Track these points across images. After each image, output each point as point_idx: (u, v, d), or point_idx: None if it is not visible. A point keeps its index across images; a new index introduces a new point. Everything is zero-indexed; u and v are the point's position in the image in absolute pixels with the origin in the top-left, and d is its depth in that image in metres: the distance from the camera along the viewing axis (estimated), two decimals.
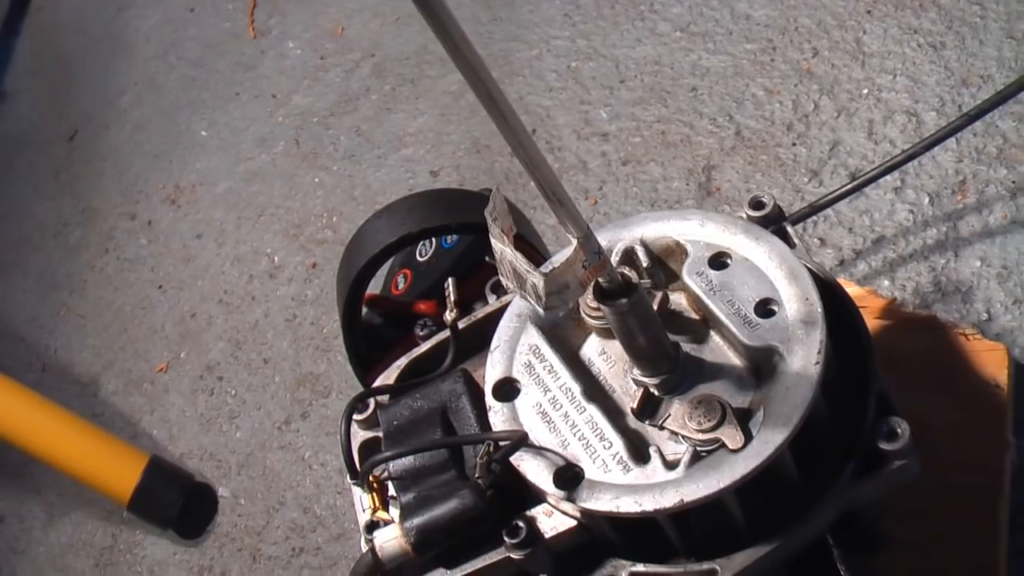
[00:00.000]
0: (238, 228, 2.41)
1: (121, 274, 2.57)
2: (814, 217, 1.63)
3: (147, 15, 3.09)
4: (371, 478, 1.11)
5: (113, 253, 2.62)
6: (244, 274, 2.32)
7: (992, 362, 1.33)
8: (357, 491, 1.14)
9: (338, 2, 2.62)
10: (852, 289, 1.44)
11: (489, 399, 1.07)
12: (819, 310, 0.98)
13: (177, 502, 2.01)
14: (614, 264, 1.01)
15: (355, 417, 1.20)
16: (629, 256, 1.06)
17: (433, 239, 1.52)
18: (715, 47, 1.93)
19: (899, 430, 0.96)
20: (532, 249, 1.41)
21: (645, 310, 0.96)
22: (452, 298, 1.25)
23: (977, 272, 1.51)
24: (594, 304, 1.02)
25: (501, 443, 1.01)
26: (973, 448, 1.28)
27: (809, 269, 1.03)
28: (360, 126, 2.36)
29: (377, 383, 1.25)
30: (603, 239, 1.04)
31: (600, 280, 0.93)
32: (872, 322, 1.37)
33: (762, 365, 0.98)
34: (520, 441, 1.00)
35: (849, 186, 1.53)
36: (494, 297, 1.28)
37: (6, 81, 3.38)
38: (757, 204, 1.13)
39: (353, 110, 2.40)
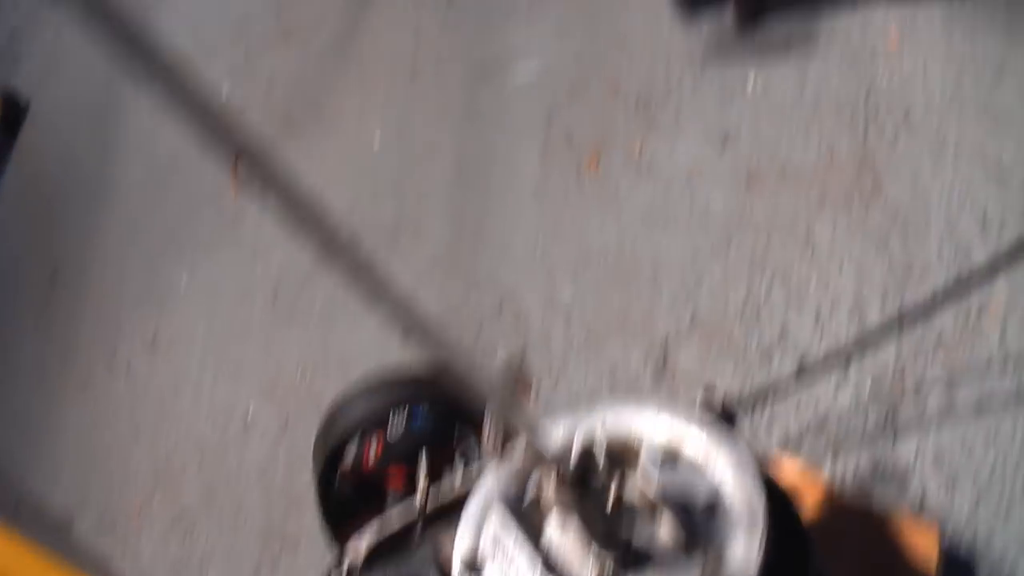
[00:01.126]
0: (215, 380, 2.45)
1: (98, 416, 2.61)
2: (764, 400, 1.70)
3: (133, 163, 3.16)
4: None
5: (91, 395, 2.66)
6: (219, 426, 2.36)
7: (924, 544, 1.39)
8: None
9: (319, 172, 2.67)
10: (796, 470, 1.51)
11: (456, 573, 1.15)
12: (761, 512, 1.06)
13: None
14: (576, 453, 1.10)
15: None
16: (589, 449, 1.15)
17: (404, 409, 1.55)
18: (675, 235, 1.99)
19: None
20: None
21: (603, 500, 1.05)
22: (423, 479, 1.32)
23: (912, 457, 1.56)
24: (557, 488, 1.11)
25: None
26: None
27: (753, 467, 1.11)
28: (337, 287, 2.37)
29: (348, 555, 1.32)
30: (563, 428, 1.14)
31: (567, 472, 1.02)
32: (811, 504, 1.45)
33: (707, 556, 1.06)
34: None
35: (797, 372, 1.61)
36: (463, 460, 1.36)
37: None
38: (709, 389, 1.22)
39: (329, 272, 2.41)
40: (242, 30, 3.21)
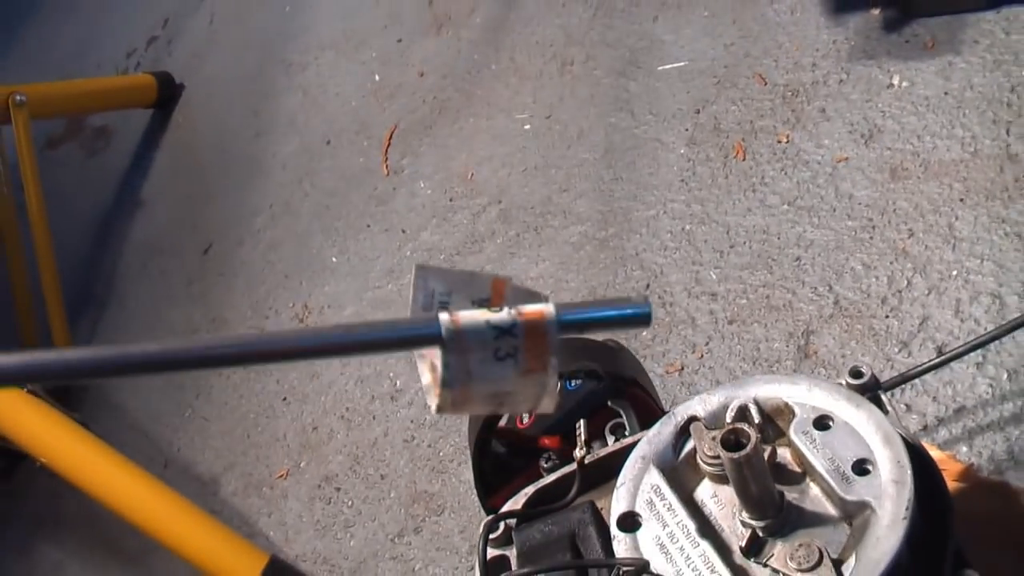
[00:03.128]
0: None
1: (247, 383, 2.70)
2: (902, 385, 1.74)
3: (284, 142, 3.25)
4: None
5: None
6: (366, 394, 2.43)
7: None
8: None
9: (469, 148, 2.75)
10: (934, 452, 1.55)
11: (614, 529, 1.18)
12: (908, 472, 1.11)
13: None
14: (730, 420, 1.16)
15: (489, 536, 1.33)
16: (743, 413, 1.20)
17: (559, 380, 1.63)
18: (819, 222, 2.02)
19: None
20: (647, 395, 1.53)
21: (758, 462, 1.11)
22: (583, 437, 1.38)
23: None
24: (711, 452, 1.17)
25: (625, 568, 1.14)
26: None
27: (900, 435, 1.17)
28: (484, 266, 2.45)
29: (505, 508, 1.38)
30: (721, 396, 1.20)
31: (725, 433, 1.08)
32: (950, 484, 1.49)
33: (856, 517, 1.11)
34: (642, 568, 1.13)
35: (937, 360, 1.63)
36: (613, 438, 1.42)
37: (143, 191, 3.59)
38: (856, 373, 1.26)
39: (479, 251, 2.51)
40: (394, 19, 3.29)
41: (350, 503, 2.29)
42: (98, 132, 4.04)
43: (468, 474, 2.10)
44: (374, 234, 2.77)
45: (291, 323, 2.72)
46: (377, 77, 3.17)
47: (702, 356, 1.98)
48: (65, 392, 2.95)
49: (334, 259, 2.80)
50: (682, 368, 1.98)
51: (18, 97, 3.16)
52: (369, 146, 2.99)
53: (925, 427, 1.71)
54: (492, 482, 1.57)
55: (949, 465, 1.53)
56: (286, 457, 2.48)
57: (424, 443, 2.26)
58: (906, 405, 1.74)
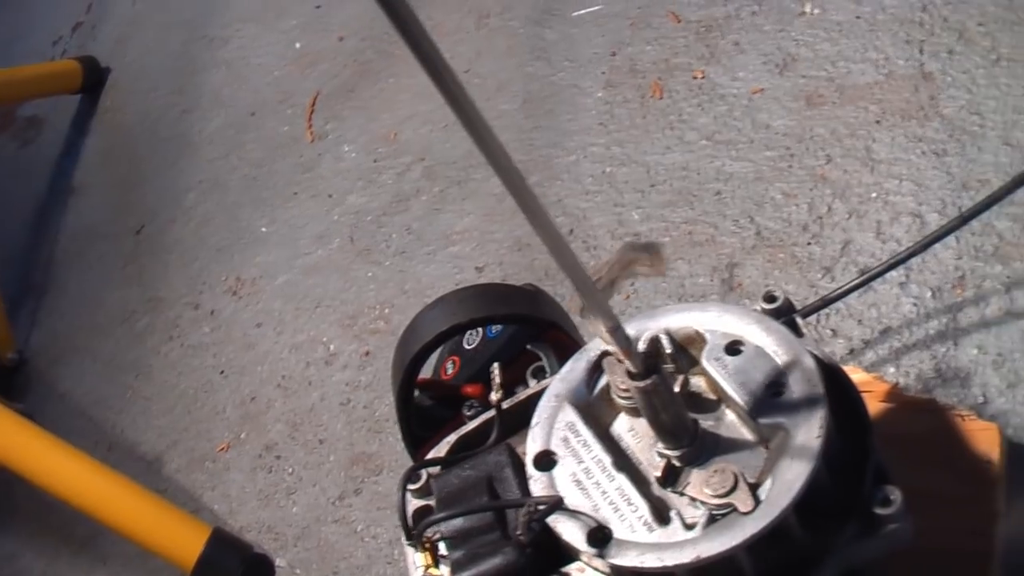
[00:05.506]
0: (296, 318, 2.50)
1: (185, 360, 2.67)
2: (827, 310, 1.71)
3: (210, 118, 3.22)
4: (424, 539, 1.21)
5: (177, 340, 2.72)
6: (301, 361, 2.41)
7: (986, 440, 1.41)
8: (410, 552, 1.23)
9: (391, 109, 2.73)
10: (859, 375, 1.52)
11: (530, 469, 1.16)
12: (821, 391, 1.08)
13: (238, 570, 2.08)
14: (641, 350, 1.12)
15: (409, 486, 1.30)
16: (655, 343, 1.16)
17: (479, 329, 1.60)
18: (738, 154, 2.01)
19: (892, 496, 1.05)
20: (568, 337, 1.51)
21: (667, 390, 1.07)
22: (497, 381, 1.34)
23: (974, 359, 1.58)
24: (624, 386, 1.13)
25: (540, 506, 1.11)
26: (968, 517, 1.36)
27: (813, 355, 1.14)
28: (411, 225, 2.45)
29: (428, 456, 1.36)
30: (632, 328, 1.15)
31: (630, 363, 1.05)
32: (876, 405, 1.46)
33: (771, 439, 1.08)
34: (557, 504, 1.10)
35: (856, 281, 1.62)
36: (534, 381, 1.38)
37: (76, 177, 3.53)
38: (770, 298, 1.23)
39: (405, 210, 2.49)
40: None
41: (291, 470, 2.27)
42: (29, 122, 3.99)
43: None
44: (302, 201, 2.74)
45: (225, 296, 2.70)
46: (298, 45, 3.15)
47: (628, 297, 1.97)
48: (8, 384, 2.93)
49: (264, 229, 2.77)
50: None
51: None
52: (293, 114, 2.97)
53: (852, 351, 1.70)
54: (420, 435, 1.55)
55: (875, 386, 1.51)
56: (227, 430, 2.45)
57: (360, 405, 2.24)
58: (832, 330, 1.73)
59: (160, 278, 2.94)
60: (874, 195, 1.83)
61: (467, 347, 1.63)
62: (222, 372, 2.56)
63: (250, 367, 2.52)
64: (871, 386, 1.50)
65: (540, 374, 1.40)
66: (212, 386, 2.57)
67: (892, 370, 1.65)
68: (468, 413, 1.42)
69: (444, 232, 2.39)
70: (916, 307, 1.69)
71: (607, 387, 1.18)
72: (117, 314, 2.96)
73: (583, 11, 2.50)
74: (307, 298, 2.52)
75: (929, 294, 1.68)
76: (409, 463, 1.62)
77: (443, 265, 2.32)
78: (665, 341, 1.16)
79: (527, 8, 2.64)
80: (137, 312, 2.91)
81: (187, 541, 2.12)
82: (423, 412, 1.58)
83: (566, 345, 1.48)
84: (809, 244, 1.85)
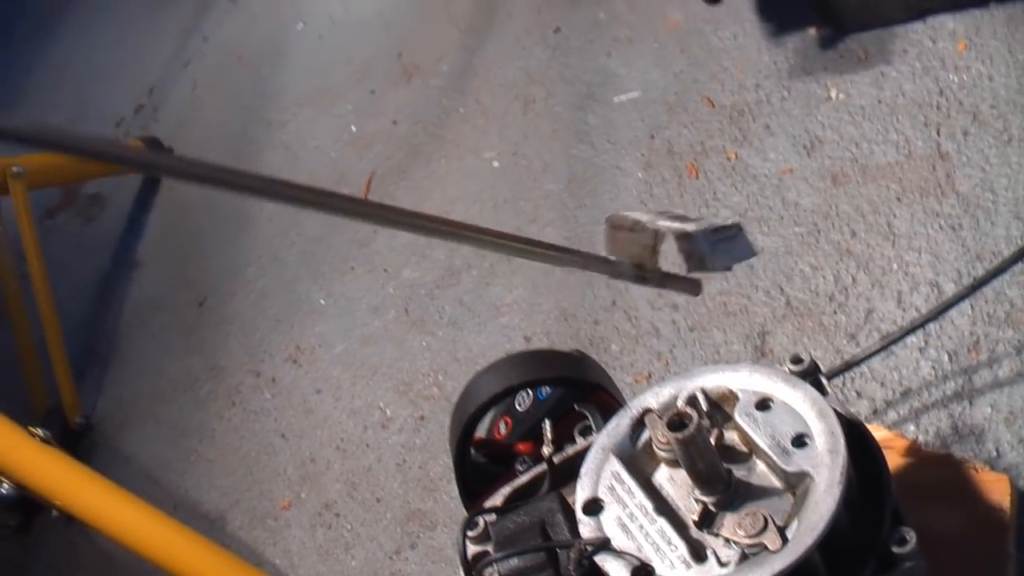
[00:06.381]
0: (353, 385, 2.59)
1: (247, 424, 2.76)
2: (852, 373, 1.81)
3: None
4: None
5: (239, 406, 2.81)
6: (359, 425, 2.50)
7: (998, 490, 1.51)
8: None
9: (442, 189, 2.84)
10: (881, 433, 1.63)
11: (579, 514, 1.26)
12: (842, 442, 1.18)
13: None
14: (680, 407, 1.24)
15: (468, 533, 1.41)
16: (692, 401, 1.28)
17: (530, 391, 1.67)
18: (769, 230, 2.11)
19: (908, 536, 1.15)
20: (611, 397, 1.60)
21: (704, 440, 1.19)
22: (549, 436, 1.45)
23: (988, 417, 1.67)
24: (664, 439, 1.25)
25: (589, 547, 1.22)
26: (980, 559, 1.46)
27: (836, 411, 1.25)
28: (462, 297, 2.54)
29: (487, 501, 1.46)
30: (670, 388, 1.28)
31: (671, 417, 1.17)
32: (897, 459, 1.56)
33: (797, 486, 1.18)
34: (604, 544, 1.21)
35: (877, 346, 1.74)
36: (581, 439, 1.49)
37: (138, 251, 3.62)
38: (796, 360, 1.33)
39: (456, 283, 2.58)
40: (366, 73, 3.38)
41: (349, 527, 2.35)
42: (92, 199, 4.07)
43: (457, 490, 2.19)
44: (358, 275, 2.83)
45: (285, 364, 2.79)
46: (353, 128, 3.25)
47: (667, 363, 2.06)
48: (75, 448, 3.01)
49: (322, 301, 2.86)
50: (649, 376, 2.06)
51: (15, 169, 3.21)
52: (349, 193, 3.02)
53: (875, 411, 1.78)
54: (474, 489, 1.63)
55: (896, 442, 1.61)
56: (287, 489, 2.53)
57: (415, 465, 2.33)
58: (856, 392, 1.82)
59: (221, 347, 3.02)
60: (895, 267, 1.93)
61: (519, 408, 1.71)
62: (283, 435, 2.65)
63: (309, 430, 2.60)
64: (892, 442, 1.61)
65: (587, 432, 1.51)
66: (273, 448, 2.65)
67: (912, 428, 1.74)
68: (520, 468, 1.52)
69: (493, 304, 2.48)
70: (934, 370, 1.78)
71: (649, 441, 1.29)
72: (180, 382, 3.04)
73: (623, 97, 2.61)
74: (364, 366, 2.61)
75: (946, 357, 1.78)
76: (463, 516, 1.72)
77: (493, 335, 2.42)
78: (702, 399, 1.27)
79: (570, 94, 2.74)
80: (200, 380, 2.99)
81: None
82: (477, 468, 1.66)
83: (610, 405, 1.58)
84: (835, 313, 1.94)
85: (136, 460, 2.91)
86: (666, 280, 1.12)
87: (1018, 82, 1.99)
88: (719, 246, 1.14)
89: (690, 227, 1.11)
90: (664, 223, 1.12)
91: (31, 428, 2.71)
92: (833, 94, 2.23)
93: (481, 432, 1.70)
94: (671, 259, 1.17)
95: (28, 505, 2.91)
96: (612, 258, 1.11)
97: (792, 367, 1.33)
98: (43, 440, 2.52)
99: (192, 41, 4.28)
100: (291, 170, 3.31)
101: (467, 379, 1.63)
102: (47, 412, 3.06)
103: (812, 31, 2.34)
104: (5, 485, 2.51)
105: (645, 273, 1.11)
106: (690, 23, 2.62)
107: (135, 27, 4.68)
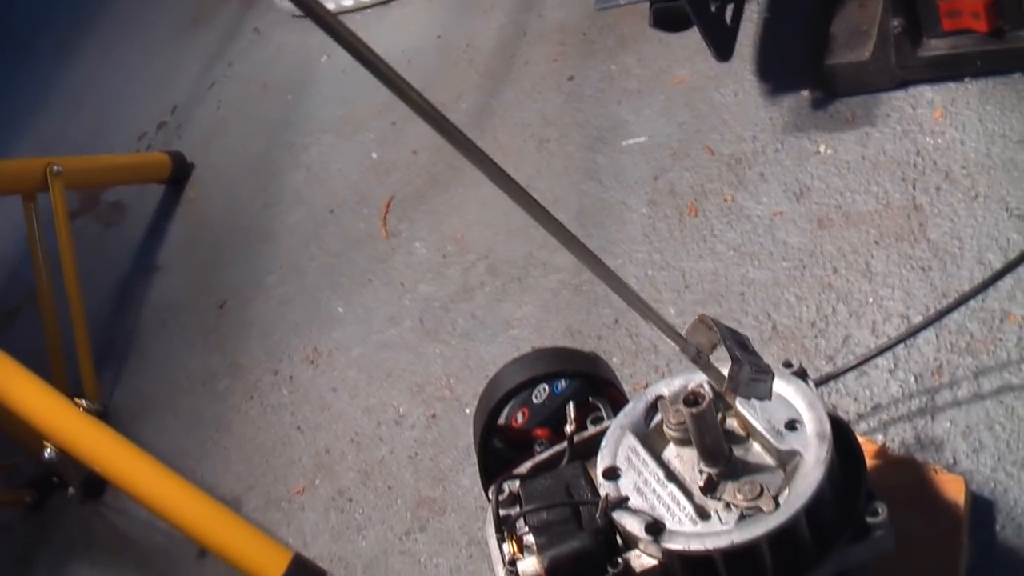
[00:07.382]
0: (368, 385, 2.72)
1: (264, 417, 2.88)
2: (829, 389, 2.00)
3: (291, 212, 3.44)
4: (515, 529, 1.48)
5: (257, 400, 2.93)
6: (373, 420, 2.63)
7: (953, 489, 1.71)
8: (494, 549, 1.49)
9: (459, 215, 2.97)
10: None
11: (599, 479, 1.45)
12: (828, 428, 1.36)
13: None
14: (693, 388, 1.43)
15: (499, 497, 1.55)
16: (700, 388, 1.48)
17: (546, 386, 1.82)
18: (759, 264, 2.29)
19: (879, 509, 1.32)
20: (620, 393, 1.77)
21: (712, 417, 1.38)
22: (572, 415, 1.63)
23: (947, 430, 1.86)
24: (675, 420, 1.45)
25: (611, 502, 1.42)
26: (937, 550, 1.66)
27: (821, 403, 1.45)
28: (475, 312, 2.68)
29: (512, 470, 1.62)
30: (680, 380, 1.48)
31: (687, 395, 1.37)
32: (868, 461, 1.73)
33: (788, 463, 1.36)
34: (623, 501, 1.40)
35: (853, 363, 1.96)
36: (592, 427, 1.68)
37: (159, 257, 3.73)
38: (787, 364, 1.52)
39: (469, 299, 2.72)
40: (388, 105, 3.53)
41: (361, 511, 2.48)
42: (112, 206, 4.17)
43: (467, 480, 2.34)
44: (376, 288, 2.97)
45: (302, 364, 2.92)
46: (374, 155, 3.39)
47: (664, 375, 2.24)
48: None
49: (340, 310, 3.00)
50: (647, 386, 2.23)
51: (55, 167, 3.33)
52: (369, 214, 3.19)
53: (849, 422, 1.91)
54: (493, 472, 1.79)
55: (866, 447, 1.78)
56: (302, 476, 2.65)
57: (427, 458, 2.46)
58: (833, 405, 2.00)
59: (241, 347, 3.14)
60: (871, 300, 2.12)
61: (535, 400, 1.86)
62: (299, 428, 2.79)
63: (325, 425, 2.74)
64: (863, 447, 1.80)
65: (599, 422, 1.69)
66: (289, 440, 2.78)
67: (880, 437, 1.93)
68: (539, 449, 1.70)
69: (505, 319, 2.62)
70: (902, 388, 1.98)
71: (660, 423, 1.49)
72: (199, 376, 3.16)
73: (631, 141, 2.80)
74: (379, 369, 2.75)
75: (913, 379, 1.98)
76: (473, 506, 1.88)
77: (503, 345, 2.56)
78: (707, 388, 1.47)
79: (582, 137, 2.92)
80: (218, 375, 3.11)
81: (270, 562, 2.30)
82: (496, 453, 1.81)
83: (619, 401, 1.77)
84: (816, 337, 2.13)
85: (152, 448, 2.90)
86: (708, 369, 1.36)
87: (987, 147, 2.19)
88: (751, 381, 1.36)
89: (742, 357, 1.34)
90: (730, 343, 1.35)
91: (76, 399, 2.86)
92: (822, 149, 2.43)
93: (504, 414, 1.85)
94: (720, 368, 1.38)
95: (44, 484, 3.07)
96: (684, 336, 1.35)
97: (783, 369, 1.53)
98: (86, 411, 2.67)
99: (217, 66, 4.40)
100: (313, 189, 3.46)
101: (478, 383, 1.77)
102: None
103: (806, 93, 2.54)
104: (48, 449, 2.64)
105: (698, 358, 1.35)
106: (694, 80, 2.81)
107: (160, 51, 4.80)
